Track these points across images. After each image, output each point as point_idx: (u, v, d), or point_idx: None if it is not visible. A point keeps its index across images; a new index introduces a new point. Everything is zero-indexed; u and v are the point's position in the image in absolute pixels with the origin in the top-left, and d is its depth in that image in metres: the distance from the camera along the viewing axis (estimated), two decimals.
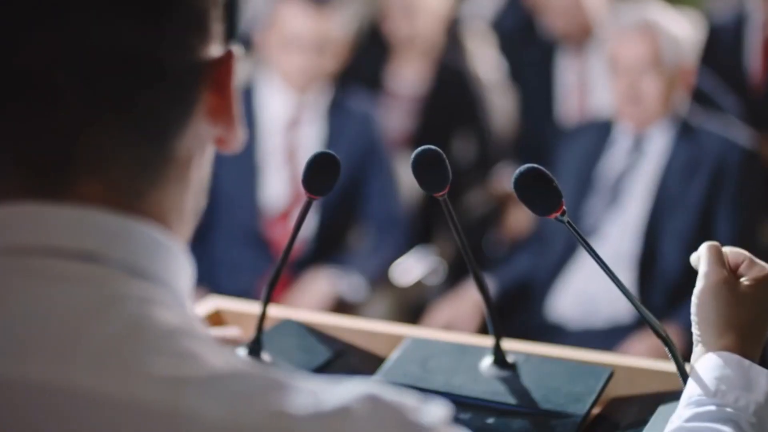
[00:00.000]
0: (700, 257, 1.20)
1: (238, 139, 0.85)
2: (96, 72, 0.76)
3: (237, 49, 0.83)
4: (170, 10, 0.78)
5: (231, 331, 1.45)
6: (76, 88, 0.76)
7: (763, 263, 1.20)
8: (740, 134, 3.10)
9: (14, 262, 0.76)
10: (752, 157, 3.00)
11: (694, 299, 1.18)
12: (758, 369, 1.12)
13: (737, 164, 2.94)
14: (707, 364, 1.13)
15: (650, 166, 3.00)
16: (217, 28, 0.83)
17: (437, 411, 0.75)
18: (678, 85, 2.99)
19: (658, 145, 3.00)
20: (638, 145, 3.02)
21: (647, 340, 2.76)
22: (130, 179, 0.79)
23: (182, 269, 0.81)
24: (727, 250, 1.21)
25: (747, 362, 1.12)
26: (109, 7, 0.76)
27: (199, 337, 0.75)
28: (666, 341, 1.20)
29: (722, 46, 4.00)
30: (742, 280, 1.18)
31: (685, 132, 2.98)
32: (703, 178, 2.93)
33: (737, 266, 1.19)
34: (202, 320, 0.80)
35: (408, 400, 0.74)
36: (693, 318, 1.18)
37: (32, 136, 0.77)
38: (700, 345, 1.16)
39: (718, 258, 1.19)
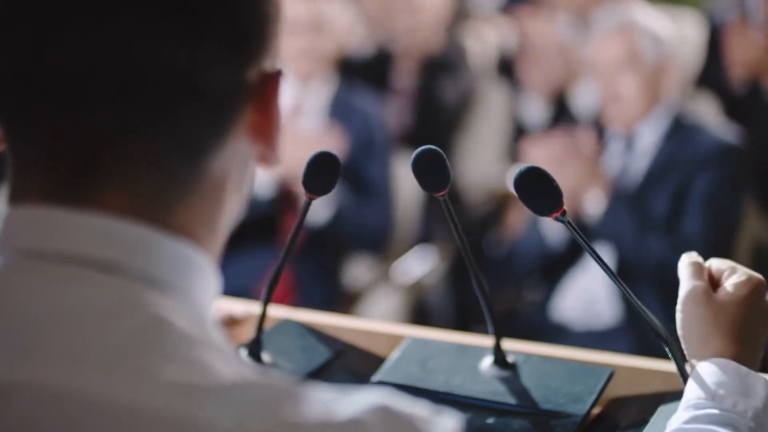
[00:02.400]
0: (679, 273, 1.21)
1: (276, 158, 0.84)
2: (130, 83, 0.75)
3: (284, 68, 0.83)
4: (212, 28, 0.77)
5: (238, 309, 1.47)
6: (108, 97, 0.75)
7: (745, 269, 1.20)
8: (732, 131, 3.11)
9: (31, 264, 0.76)
10: (736, 152, 2.99)
11: (677, 315, 1.19)
12: (756, 375, 1.13)
13: (721, 159, 2.93)
14: (705, 370, 1.13)
15: (640, 162, 3.02)
16: (269, 44, 0.81)
17: (448, 423, 0.75)
18: (663, 82, 3.01)
19: (648, 141, 3.01)
20: (629, 144, 3.04)
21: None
22: (158, 193, 0.78)
23: (206, 283, 0.81)
24: (711, 261, 1.22)
25: (744, 369, 1.12)
26: (150, 19, 0.75)
27: (213, 347, 0.75)
28: (666, 341, 1.20)
29: (722, 45, 4.00)
30: (723, 286, 1.19)
31: (675, 129, 2.99)
32: (681, 171, 2.93)
33: (720, 276, 1.21)
34: (220, 331, 0.79)
35: (419, 411, 0.74)
36: (679, 333, 1.19)
37: (60, 139, 0.76)
38: (692, 359, 1.17)
39: (695, 271, 1.20)
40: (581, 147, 2.99)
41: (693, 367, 1.16)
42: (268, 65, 0.82)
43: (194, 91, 0.77)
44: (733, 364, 1.13)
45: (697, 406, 1.11)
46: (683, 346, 1.19)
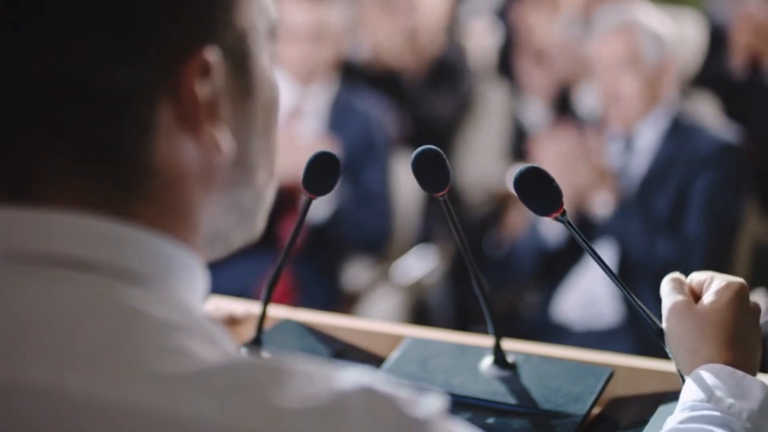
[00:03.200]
0: (661, 292, 1.22)
1: (217, 145, 0.80)
2: (21, 96, 0.75)
3: (211, 54, 0.78)
4: (104, 30, 0.75)
5: (238, 308, 1.47)
6: (12, 114, 0.76)
7: (724, 276, 1.21)
8: (732, 131, 3.11)
9: (1, 266, 0.76)
10: (736, 151, 2.99)
11: (667, 330, 1.19)
12: (751, 379, 1.13)
13: (720, 158, 2.93)
14: (700, 375, 1.14)
15: (640, 163, 3.02)
16: (182, 35, 0.78)
17: (432, 403, 0.75)
18: (663, 82, 3.01)
19: (647, 141, 3.01)
20: (629, 145, 3.04)
21: None
22: (101, 195, 0.77)
23: (187, 274, 0.80)
24: (692, 275, 1.23)
25: (740, 372, 1.13)
26: (34, 31, 0.75)
27: (195, 332, 0.74)
28: (666, 341, 1.20)
29: (722, 45, 4.00)
30: (704, 296, 1.19)
31: (674, 129, 2.99)
32: (681, 171, 2.94)
33: (701, 287, 1.21)
34: (208, 318, 0.78)
35: (403, 392, 0.74)
36: (668, 351, 1.19)
37: None
38: (685, 371, 1.18)
39: (674, 287, 1.20)
40: (590, 147, 2.99)
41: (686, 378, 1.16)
42: (189, 51, 0.78)
43: (97, 95, 0.76)
44: (728, 368, 1.13)
45: (693, 408, 1.11)
46: (675, 362, 1.19)
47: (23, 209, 0.77)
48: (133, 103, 0.77)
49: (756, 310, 1.20)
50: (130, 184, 0.78)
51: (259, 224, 0.88)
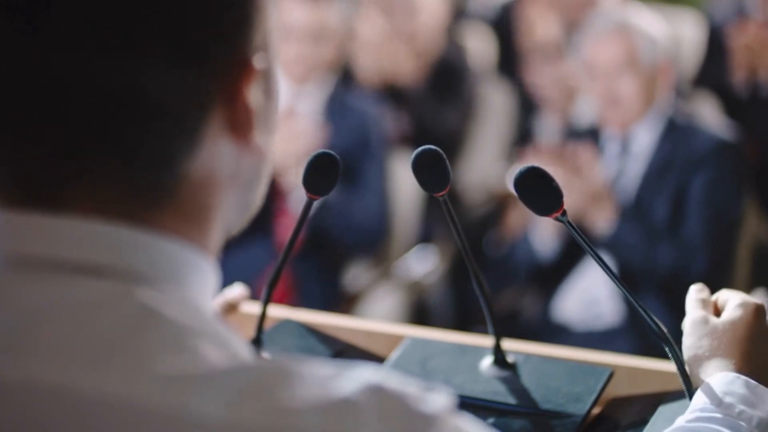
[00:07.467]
0: (686, 305, 1.24)
1: (260, 149, 0.82)
2: (79, 106, 0.75)
3: (259, 59, 0.80)
4: (157, 41, 0.75)
5: (233, 292, 1.46)
6: (60, 123, 0.75)
7: (744, 295, 1.23)
8: (730, 129, 3.11)
9: (10, 268, 0.76)
10: (732, 148, 2.99)
11: (683, 348, 1.21)
12: (764, 389, 1.14)
13: (717, 156, 2.93)
14: (713, 381, 1.14)
15: (637, 165, 3.01)
16: (234, 40, 0.79)
17: (441, 399, 0.75)
18: (659, 83, 3.01)
19: (644, 143, 3.01)
20: (625, 147, 3.03)
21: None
22: (129, 202, 0.77)
23: (201, 277, 0.80)
24: (718, 293, 1.26)
25: (753, 382, 1.14)
26: (94, 42, 0.74)
27: (209, 336, 0.74)
28: (666, 341, 1.20)
29: (722, 45, 4.00)
30: (723, 314, 1.22)
31: (670, 129, 2.99)
32: (679, 171, 2.93)
33: (724, 305, 1.24)
34: (222, 322, 0.78)
35: (411, 389, 0.74)
36: (687, 366, 1.20)
37: (20, 159, 0.76)
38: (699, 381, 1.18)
39: (698, 301, 1.24)
40: (584, 170, 2.96)
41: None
42: (241, 58, 0.79)
43: (152, 106, 0.76)
44: (742, 377, 1.14)
45: (702, 410, 1.12)
46: (690, 375, 1.20)
47: (36, 214, 0.76)
48: (186, 112, 0.77)
49: None
50: (161, 193, 0.78)
51: (218, 242, 0.88)
